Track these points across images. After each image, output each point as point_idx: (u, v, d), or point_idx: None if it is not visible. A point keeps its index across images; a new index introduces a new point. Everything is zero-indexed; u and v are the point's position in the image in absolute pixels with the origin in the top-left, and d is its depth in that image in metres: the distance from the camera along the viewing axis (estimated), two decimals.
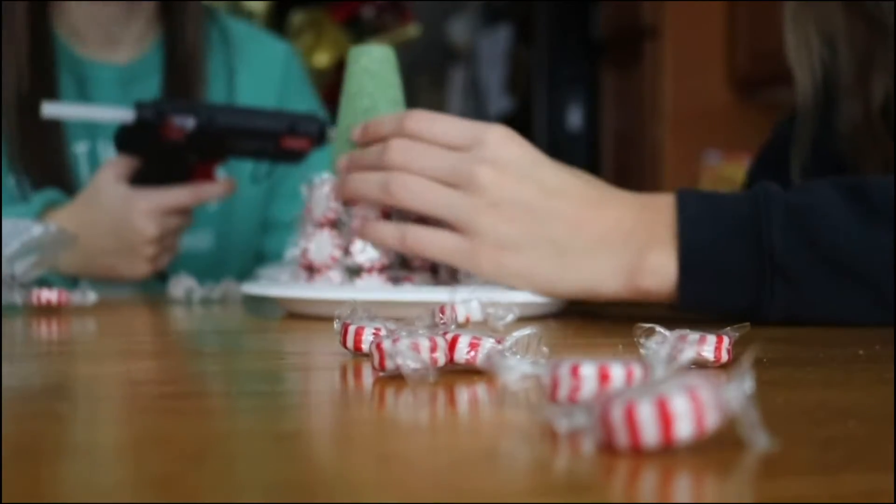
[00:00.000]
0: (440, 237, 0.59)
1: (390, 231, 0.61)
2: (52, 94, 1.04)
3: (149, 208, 0.92)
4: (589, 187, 0.60)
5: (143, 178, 0.94)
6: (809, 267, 0.57)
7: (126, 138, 0.93)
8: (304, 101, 1.19)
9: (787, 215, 0.57)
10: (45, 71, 1.05)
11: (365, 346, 0.41)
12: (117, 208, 0.92)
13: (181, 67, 1.09)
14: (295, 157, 0.92)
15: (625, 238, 0.58)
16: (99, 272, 0.95)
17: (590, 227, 0.58)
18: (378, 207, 0.64)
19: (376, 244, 0.63)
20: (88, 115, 0.93)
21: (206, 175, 0.96)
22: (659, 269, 0.58)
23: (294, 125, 0.90)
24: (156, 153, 0.93)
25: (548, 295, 0.61)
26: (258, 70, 1.16)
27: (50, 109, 0.90)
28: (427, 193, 0.59)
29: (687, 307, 0.59)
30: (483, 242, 0.58)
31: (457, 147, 0.59)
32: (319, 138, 0.90)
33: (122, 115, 0.91)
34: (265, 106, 1.13)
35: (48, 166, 1.04)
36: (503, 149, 0.58)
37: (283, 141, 0.90)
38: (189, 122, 0.91)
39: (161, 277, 1.01)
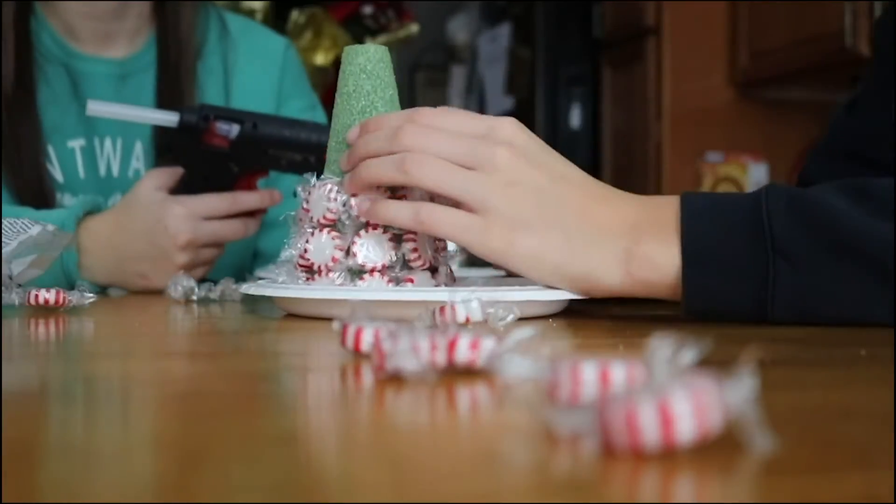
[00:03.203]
0: (454, 215, 0.60)
1: (403, 209, 0.62)
2: (33, 92, 1.04)
3: (183, 212, 0.91)
4: (593, 183, 0.62)
5: (184, 189, 0.93)
6: (812, 252, 0.56)
7: (168, 142, 0.92)
8: (303, 97, 1.19)
9: (788, 203, 0.57)
10: (27, 69, 1.04)
11: (365, 347, 0.41)
12: (152, 212, 0.92)
13: (174, 65, 1.09)
14: None
15: (628, 230, 0.59)
16: (130, 279, 0.95)
17: (595, 216, 0.60)
18: (385, 194, 0.64)
19: (388, 222, 0.63)
20: (132, 115, 0.92)
21: (248, 188, 0.95)
22: (659, 260, 0.58)
23: None
24: (198, 161, 0.92)
25: (553, 281, 0.61)
26: (257, 65, 1.15)
27: (94, 108, 0.90)
28: (443, 172, 0.60)
29: (693, 303, 0.59)
30: (496, 221, 0.59)
31: (470, 135, 0.61)
32: None
33: (166, 118, 0.91)
34: (264, 101, 1.13)
35: (27, 166, 1.03)
36: (516, 136, 0.61)
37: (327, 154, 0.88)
38: (233, 129, 0.90)
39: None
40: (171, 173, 0.94)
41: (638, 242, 0.59)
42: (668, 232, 0.59)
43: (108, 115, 0.94)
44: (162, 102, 1.05)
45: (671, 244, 0.58)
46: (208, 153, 0.91)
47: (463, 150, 0.60)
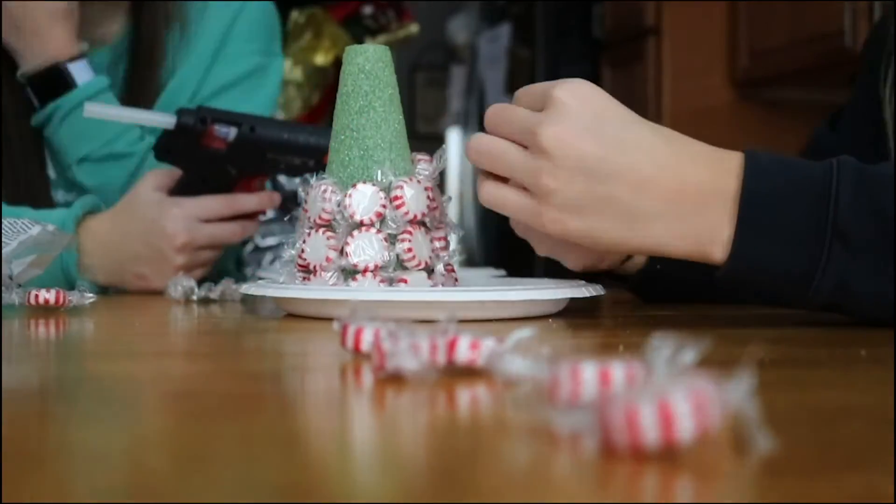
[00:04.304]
0: (510, 195, 0.60)
1: (482, 187, 0.61)
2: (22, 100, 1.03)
3: (181, 214, 0.92)
4: (659, 142, 0.57)
5: (182, 190, 0.93)
6: (871, 238, 0.54)
7: (165, 145, 0.92)
8: (242, 61, 1.10)
9: (859, 179, 0.54)
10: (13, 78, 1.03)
11: (365, 347, 0.41)
12: (150, 213, 0.92)
13: (145, 59, 1.06)
14: None
15: (691, 199, 0.56)
16: (129, 280, 0.95)
17: (655, 188, 0.55)
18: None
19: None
20: (129, 117, 0.92)
21: (248, 191, 0.95)
22: (722, 232, 0.56)
23: None
24: (196, 163, 0.92)
25: (617, 252, 0.61)
26: (209, 37, 1.09)
27: (92, 109, 0.90)
28: (497, 154, 0.59)
29: (737, 263, 0.55)
30: (547, 204, 0.57)
31: (534, 107, 0.59)
32: None
33: (164, 120, 0.90)
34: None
35: (19, 163, 1.03)
36: (569, 105, 0.56)
37: (327, 157, 0.88)
38: (231, 132, 0.90)
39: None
40: (171, 174, 0.94)
41: (700, 213, 0.56)
42: (732, 200, 0.55)
43: (105, 117, 0.93)
44: (132, 95, 1.04)
45: (734, 216, 0.55)
46: (206, 156, 0.91)
47: (517, 128, 0.58)
